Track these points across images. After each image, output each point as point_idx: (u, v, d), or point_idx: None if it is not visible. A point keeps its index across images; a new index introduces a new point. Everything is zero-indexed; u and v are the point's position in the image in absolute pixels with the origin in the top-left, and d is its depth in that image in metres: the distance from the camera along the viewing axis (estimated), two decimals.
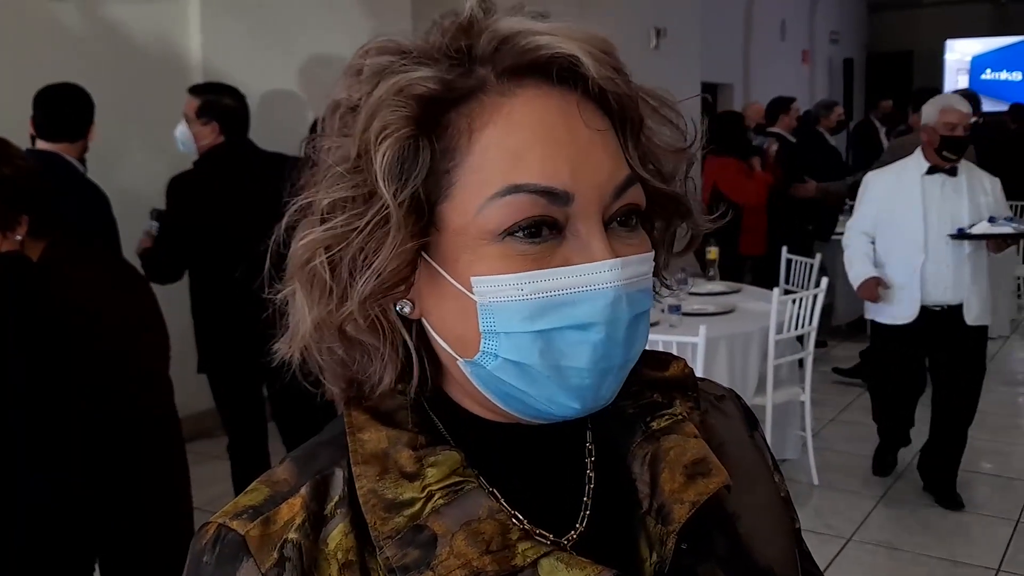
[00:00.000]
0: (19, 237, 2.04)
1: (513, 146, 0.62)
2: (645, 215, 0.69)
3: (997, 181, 4.23)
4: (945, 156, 4.04)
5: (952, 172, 4.11)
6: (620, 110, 0.66)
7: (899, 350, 4.29)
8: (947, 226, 4.07)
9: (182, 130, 3.62)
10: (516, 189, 0.61)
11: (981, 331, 4.21)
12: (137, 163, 4.70)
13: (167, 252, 3.54)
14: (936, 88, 12.75)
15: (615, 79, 0.65)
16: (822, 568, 0.87)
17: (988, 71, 16.40)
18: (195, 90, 3.65)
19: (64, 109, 3.42)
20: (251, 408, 3.73)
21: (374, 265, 0.63)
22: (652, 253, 0.67)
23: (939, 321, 4.14)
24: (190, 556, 0.67)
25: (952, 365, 4.26)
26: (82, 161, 3.60)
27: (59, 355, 2.01)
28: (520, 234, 0.62)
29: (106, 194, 3.52)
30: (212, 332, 3.59)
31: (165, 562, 2.22)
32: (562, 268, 0.62)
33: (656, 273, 0.73)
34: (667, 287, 0.77)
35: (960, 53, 16.62)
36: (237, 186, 3.43)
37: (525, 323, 0.62)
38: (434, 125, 0.63)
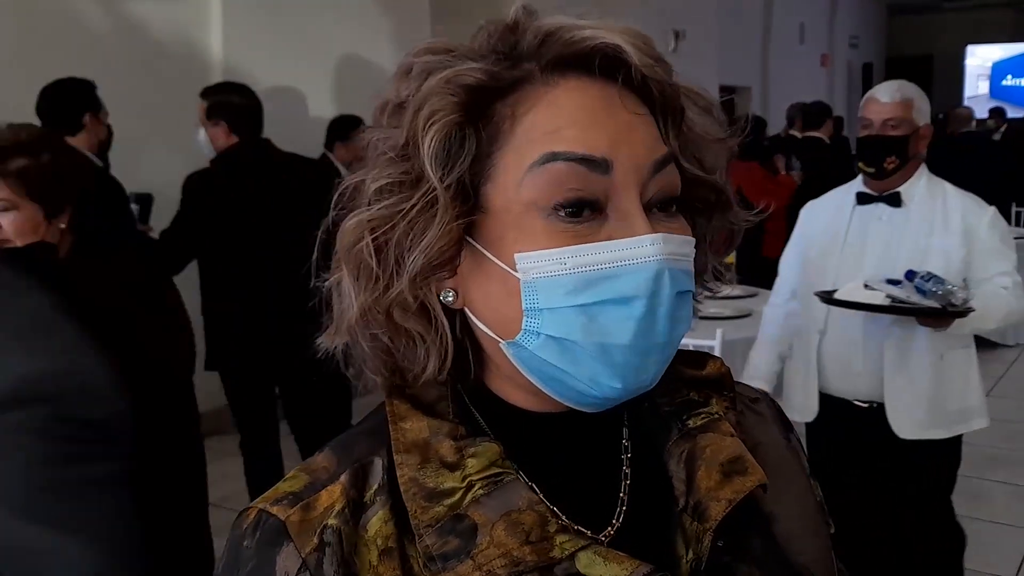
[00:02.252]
0: (63, 226, 2.08)
1: (553, 124, 0.64)
2: (686, 209, 0.70)
3: (986, 213, 2.67)
4: (860, 168, 2.74)
5: (893, 200, 2.70)
6: (661, 99, 0.68)
7: (827, 464, 2.73)
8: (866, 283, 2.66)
9: (202, 133, 3.66)
10: (554, 157, 0.63)
11: (930, 451, 2.71)
12: (157, 162, 4.72)
13: (170, 243, 3.56)
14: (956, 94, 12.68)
15: (656, 67, 0.66)
16: None
17: (1009, 77, 16.30)
18: (203, 93, 3.68)
19: (54, 102, 3.46)
20: (262, 407, 3.74)
21: (423, 243, 0.64)
22: (692, 239, 0.68)
23: (867, 424, 2.73)
24: (230, 541, 0.68)
25: (899, 500, 2.85)
26: (102, 155, 3.63)
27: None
28: (561, 213, 0.63)
29: (122, 186, 3.56)
30: (222, 330, 3.60)
31: (179, 556, 2.22)
32: (604, 243, 0.63)
33: (697, 274, 0.73)
34: (708, 289, 0.77)
35: (980, 59, 16.54)
36: (249, 186, 3.45)
37: (567, 297, 0.63)
38: (481, 115, 0.65)
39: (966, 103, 14.50)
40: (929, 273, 2.52)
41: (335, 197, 0.69)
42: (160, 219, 3.87)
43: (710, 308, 4.45)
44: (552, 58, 0.66)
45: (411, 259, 0.65)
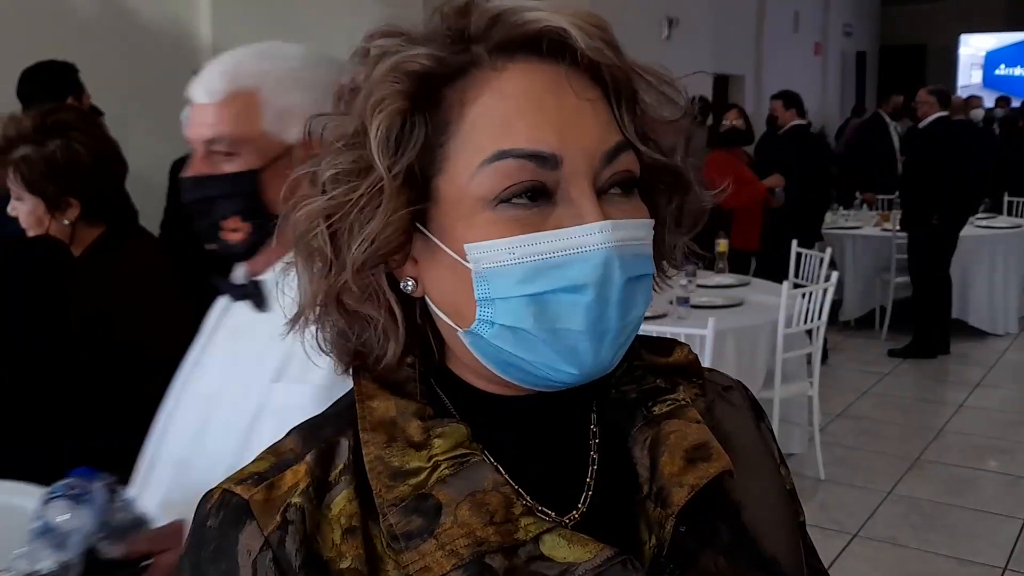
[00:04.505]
0: (67, 222, 2.03)
1: (501, 115, 0.64)
2: (646, 191, 0.70)
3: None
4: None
5: (255, 297, 1.36)
6: (613, 82, 0.67)
7: None
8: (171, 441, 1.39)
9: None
10: (504, 154, 0.63)
11: None
12: (146, 147, 4.68)
13: (170, 241, 3.54)
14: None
15: (604, 50, 0.66)
16: (827, 563, 0.86)
17: (1002, 66, 16.30)
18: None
19: (35, 85, 3.42)
20: None
21: (366, 232, 0.64)
22: (650, 221, 0.68)
23: None
24: (195, 521, 0.68)
25: None
26: None
27: (71, 344, 2.00)
28: (512, 200, 0.63)
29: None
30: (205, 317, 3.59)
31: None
32: (553, 231, 0.63)
33: (663, 254, 0.74)
34: (674, 266, 0.77)
35: (974, 48, 16.53)
36: None
37: (518, 287, 0.63)
38: (429, 101, 0.65)
39: (959, 92, 14.52)
40: (76, 483, 1.18)
41: (285, 187, 0.69)
42: (149, 206, 3.84)
43: (702, 297, 4.46)
44: (499, 41, 0.66)
45: (354, 248, 0.65)
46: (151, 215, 3.77)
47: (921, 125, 6.70)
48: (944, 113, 6.58)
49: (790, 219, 6.47)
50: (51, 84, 3.45)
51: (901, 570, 3.77)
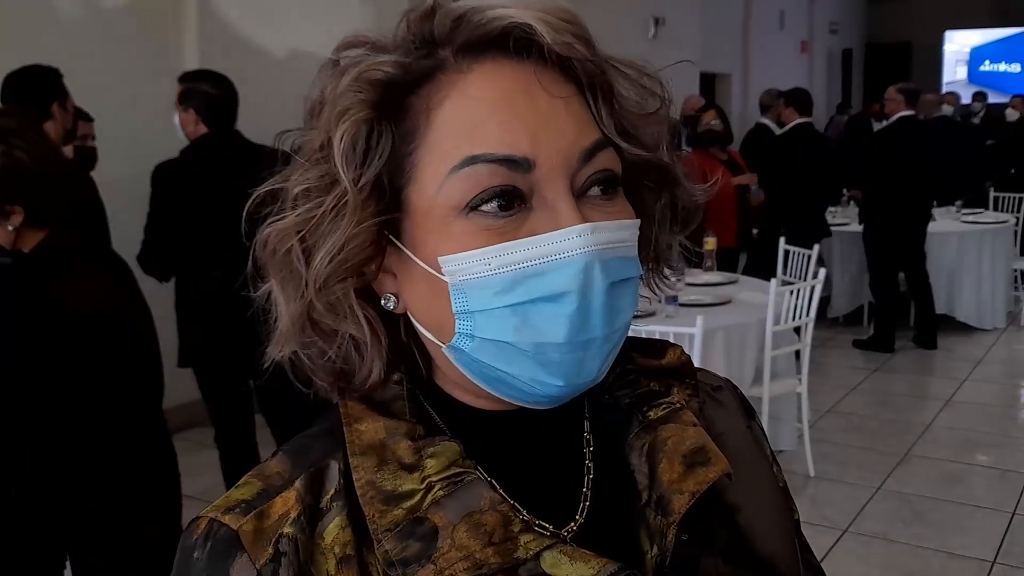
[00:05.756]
0: (11, 228, 2.01)
1: (469, 119, 0.61)
2: (632, 189, 0.68)
3: None
4: None
5: None
6: (587, 76, 0.65)
7: None
8: None
9: (176, 116, 3.63)
10: (473, 160, 0.60)
11: None
12: (130, 151, 4.67)
13: (153, 247, 3.52)
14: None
15: (574, 44, 0.63)
16: (818, 559, 0.86)
17: (987, 62, 16.38)
18: (181, 77, 3.65)
19: (21, 90, 3.36)
20: (238, 401, 3.70)
21: (327, 245, 0.62)
22: (634, 221, 0.66)
23: None
24: (180, 552, 0.65)
25: None
26: (74, 143, 3.57)
27: (37, 350, 1.99)
28: (484, 207, 0.61)
29: (91, 178, 3.51)
30: (196, 325, 3.57)
31: (143, 564, 2.17)
32: (529, 239, 0.60)
33: (658, 254, 0.72)
34: (670, 267, 0.75)
35: (959, 44, 16.59)
36: (217, 178, 3.39)
37: (496, 298, 0.61)
38: (395, 110, 0.63)
39: (944, 89, 14.58)
40: None
41: (247, 205, 0.66)
42: (132, 210, 3.83)
43: (690, 295, 4.46)
44: (464, 42, 0.63)
45: (316, 264, 0.63)
46: (134, 219, 3.75)
47: (885, 123, 6.69)
48: (909, 112, 6.54)
49: (792, 217, 6.50)
50: (34, 89, 3.41)
51: (891, 565, 3.78)
